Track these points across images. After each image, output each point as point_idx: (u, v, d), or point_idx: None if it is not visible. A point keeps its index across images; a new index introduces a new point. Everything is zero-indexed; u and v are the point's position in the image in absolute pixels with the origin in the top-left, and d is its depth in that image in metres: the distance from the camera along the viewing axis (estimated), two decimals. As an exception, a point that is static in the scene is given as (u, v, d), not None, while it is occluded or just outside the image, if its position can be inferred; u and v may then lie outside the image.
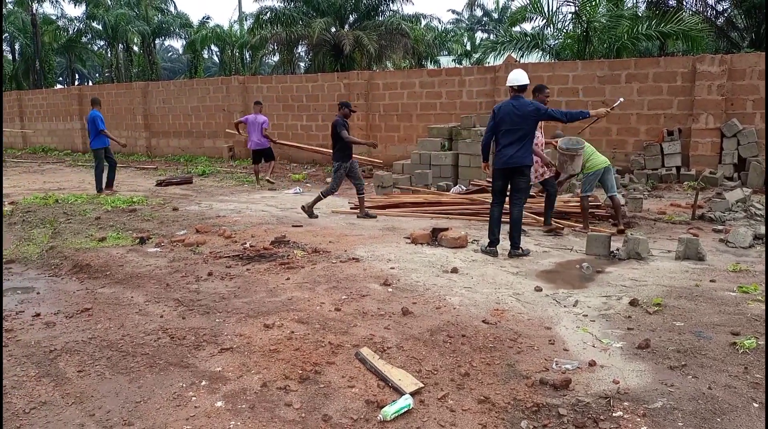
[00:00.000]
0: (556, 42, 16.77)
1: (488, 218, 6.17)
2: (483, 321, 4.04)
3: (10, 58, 47.16)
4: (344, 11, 23.53)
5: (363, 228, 7.41)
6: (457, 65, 30.14)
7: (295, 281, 5.00)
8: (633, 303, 4.36)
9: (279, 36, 25.04)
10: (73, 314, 4.35)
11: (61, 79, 57.67)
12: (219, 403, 3.03)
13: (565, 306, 4.40)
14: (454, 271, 5.29)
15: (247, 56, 43.83)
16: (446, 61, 32.95)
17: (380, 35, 22.11)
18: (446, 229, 6.47)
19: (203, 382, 3.26)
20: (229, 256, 5.85)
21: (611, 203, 7.28)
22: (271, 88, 16.03)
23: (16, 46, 43.71)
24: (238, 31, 41.51)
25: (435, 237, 6.41)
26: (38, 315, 4.33)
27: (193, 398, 3.10)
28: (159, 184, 11.95)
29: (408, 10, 34.25)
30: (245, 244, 6.32)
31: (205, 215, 8.28)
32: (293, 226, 7.44)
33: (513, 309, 4.32)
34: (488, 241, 6.05)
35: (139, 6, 42.92)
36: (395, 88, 14.13)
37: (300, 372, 3.32)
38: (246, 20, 38.50)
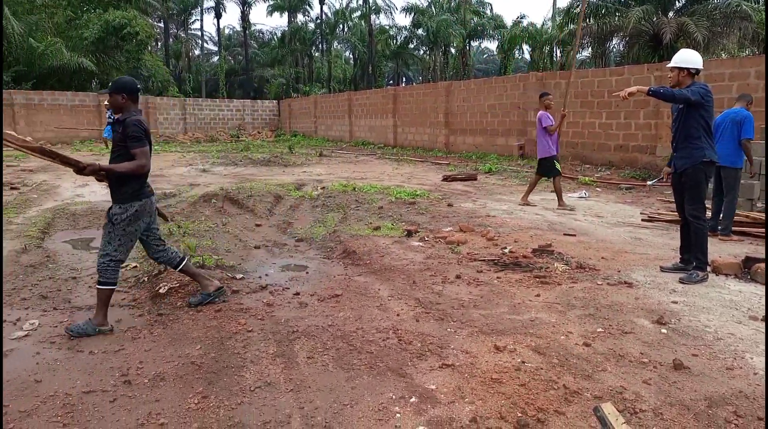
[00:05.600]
0: None
1: None
2: (799, 402, 2.81)
3: (352, 63, 55.39)
4: (670, -4, 20.79)
5: (651, 245, 6.21)
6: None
7: (545, 299, 4.35)
8: None
9: (590, 29, 23.55)
10: (325, 298, 4.55)
11: (391, 82, 65.45)
12: (420, 429, 2.69)
13: None
14: (768, 319, 3.92)
15: (558, 53, 42.74)
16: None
17: (712, 21, 18.84)
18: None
19: (413, 399, 2.96)
20: (483, 260, 5.48)
21: None
22: (570, 83, 15.01)
23: (356, 53, 50.92)
24: (550, 28, 40.72)
25: (747, 268, 4.93)
26: (298, 294, 4.65)
27: (397, 415, 2.82)
28: (445, 179, 12.29)
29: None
30: (505, 248, 5.86)
31: (476, 214, 8.07)
32: (565, 234, 6.68)
33: None
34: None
35: (459, 11, 45.61)
36: (722, 79, 11.75)
37: (519, 415, 2.76)
38: (558, 16, 37.47)
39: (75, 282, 5.03)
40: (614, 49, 29.08)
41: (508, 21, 46.27)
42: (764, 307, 4.16)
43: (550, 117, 8.78)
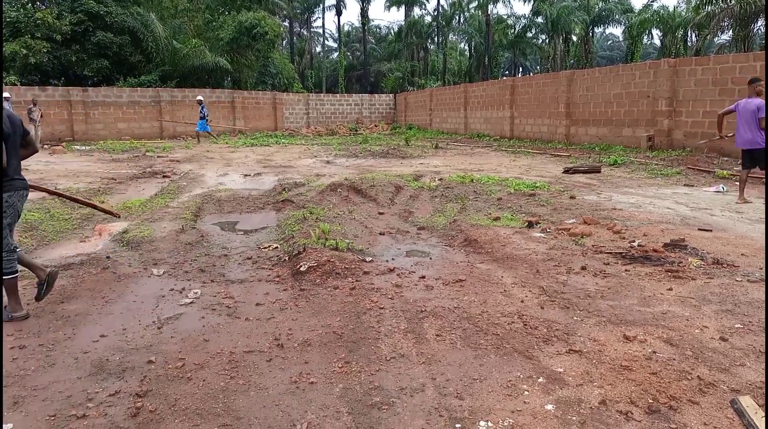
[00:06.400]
0: None
1: None
2: None
3: (467, 55, 54.95)
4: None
5: (800, 244, 5.74)
6: None
7: (678, 294, 4.24)
8: None
9: (731, 10, 21.67)
10: (449, 282, 4.76)
11: (507, 72, 64.10)
12: (549, 407, 2.82)
13: None
14: None
15: (693, 37, 39.59)
16: None
17: None
18: None
19: (540, 379, 3.09)
20: (610, 253, 5.40)
21: None
22: (707, 70, 13.96)
23: (472, 44, 50.44)
24: (685, 10, 37.77)
25: None
26: (423, 277, 4.90)
27: (526, 392, 2.97)
28: (566, 171, 11.99)
29: None
30: (633, 242, 5.72)
31: (601, 206, 7.87)
32: (700, 229, 6.35)
33: None
34: None
35: (586, -4, 43.61)
36: None
37: (650, 401, 2.80)
38: (695, -3, 34.65)
39: (227, 259, 5.66)
40: (759, 32, 26.43)
41: (637, 4, 43.44)
42: None
43: None
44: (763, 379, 2.95)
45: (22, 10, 25.59)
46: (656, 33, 42.79)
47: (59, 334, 3.78)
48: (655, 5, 40.03)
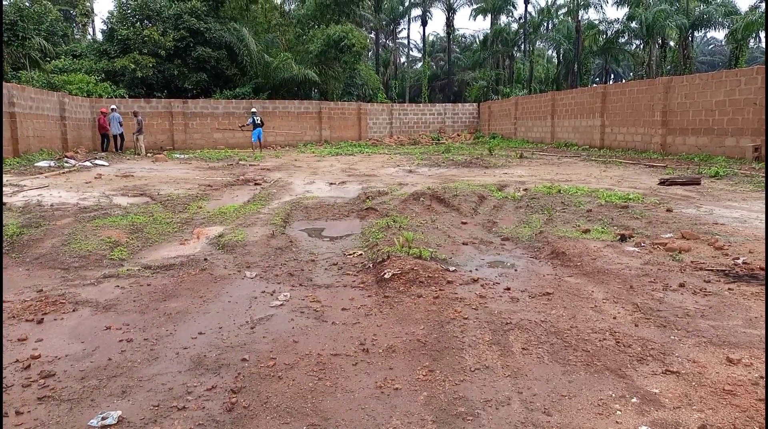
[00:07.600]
0: None
1: None
2: None
3: (555, 62, 53.55)
4: None
5: None
6: None
7: (790, 316, 3.91)
8: None
9: None
10: (536, 295, 4.66)
11: (597, 80, 61.81)
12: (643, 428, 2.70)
13: None
14: None
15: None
16: None
17: None
18: None
19: (633, 399, 2.96)
20: (711, 270, 5.07)
21: None
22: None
23: (561, 51, 49.10)
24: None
25: None
26: (508, 289, 4.83)
27: (618, 413, 2.86)
28: (662, 182, 11.38)
29: None
30: (737, 259, 5.33)
31: (701, 221, 7.40)
32: (815, 247, 5.82)
33: None
34: None
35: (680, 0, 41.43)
36: None
37: (757, 429, 2.61)
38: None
39: (314, 264, 5.84)
40: None
41: (742, 6, 40.67)
42: None
43: None
44: None
45: (131, 28, 27.77)
46: (764, 36, 39.78)
47: (162, 330, 4.05)
48: (764, 6, 37.20)
